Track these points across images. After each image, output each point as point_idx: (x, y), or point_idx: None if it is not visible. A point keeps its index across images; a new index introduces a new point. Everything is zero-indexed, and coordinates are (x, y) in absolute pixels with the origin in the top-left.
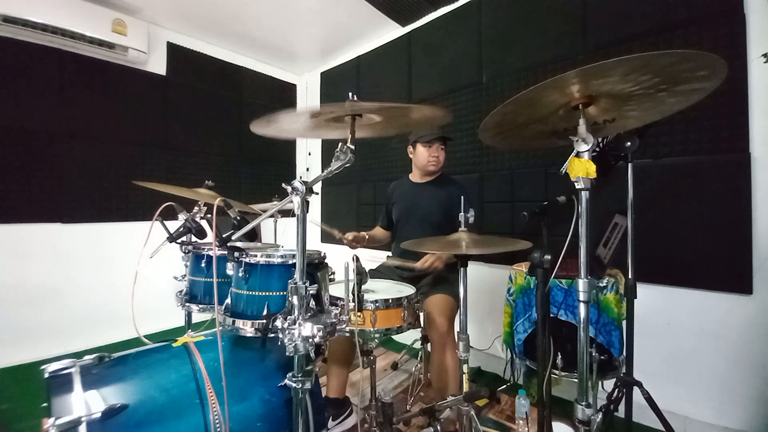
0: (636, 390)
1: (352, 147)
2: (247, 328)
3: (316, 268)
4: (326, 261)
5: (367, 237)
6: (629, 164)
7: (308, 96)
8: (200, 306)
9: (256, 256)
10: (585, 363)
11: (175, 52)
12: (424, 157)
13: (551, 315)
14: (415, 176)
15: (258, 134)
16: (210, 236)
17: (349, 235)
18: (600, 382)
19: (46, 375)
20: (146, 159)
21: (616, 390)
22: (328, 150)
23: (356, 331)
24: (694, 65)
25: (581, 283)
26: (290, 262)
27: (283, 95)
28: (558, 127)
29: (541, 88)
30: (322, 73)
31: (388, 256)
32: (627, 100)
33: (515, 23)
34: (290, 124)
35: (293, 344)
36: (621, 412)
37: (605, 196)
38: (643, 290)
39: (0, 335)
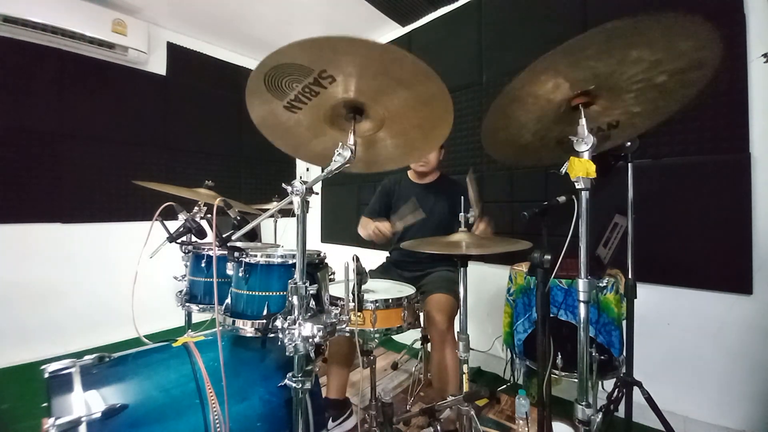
0: (636, 390)
1: (352, 147)
2: (247, 328)
3: (316, 268)
4: (326, 261)
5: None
6: (629, 164)
7: None
8: (200, 306)
9: (256, 256)
10: (585, 363)
11: (175, 52)
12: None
13: (551, 315)
14: (414, 176)
15: (256, 131)
16: (210, 236)
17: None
18: (600, 382)
19: (46, 375)
20: (146, 159)
21: (616, 390)
22: None
23: (356, 331)
24: (686, 33)
25: (581, 283)
26: (290, 262)
27: None
28: (563, 135)
29: (535, 79)
30: None
31: (387, 256)
32: (626, 93)
33: (515, 23)
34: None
35: (293, 344)
36: (621, 412)
37: (605, 196)
38: (643, 290)
39: (0, 335)
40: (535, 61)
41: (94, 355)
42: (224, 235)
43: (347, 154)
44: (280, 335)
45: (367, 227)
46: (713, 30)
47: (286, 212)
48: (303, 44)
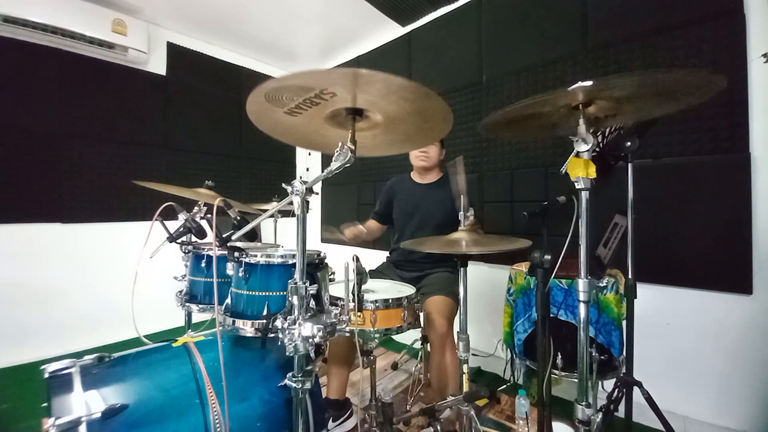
0: (636, 390)
1: (352, 147)
2: (247, 328)
3: (316, 268)
4: (326, 261)
5: (365, 231)
6: (629, 164)
7: None
8: (200, 306)
9: (256, 256)
10: (585, 363)
11: (175, 52)
12: (414, 154)
13: (551, 315)
14: (416, 175)
15: (256, 131)
16: (210, 236)
17: (348, 232)
18: (600, 382)
19: (46, 375)
20: (146, 159)
21: (616, 390)
22: None
23: (356, 331)
24: (694, 82)
25: (581, 283)
26: (290, 262)
27: None
28: (559, 122)
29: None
30: None
31: (387, 256)
32: (627, 102)
33: (515, 23)
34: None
35: (293, 344)
36: (621, 412)
37: (605, 196)
38: (643, 290)
39: (0, 335)
40: (544, 95)
41: (94, 355)
42: (224, 235)
43: (347, 154)
44: (280, 335)
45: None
46: (722, 78)
47: (286, 212)
48: (304, 75)
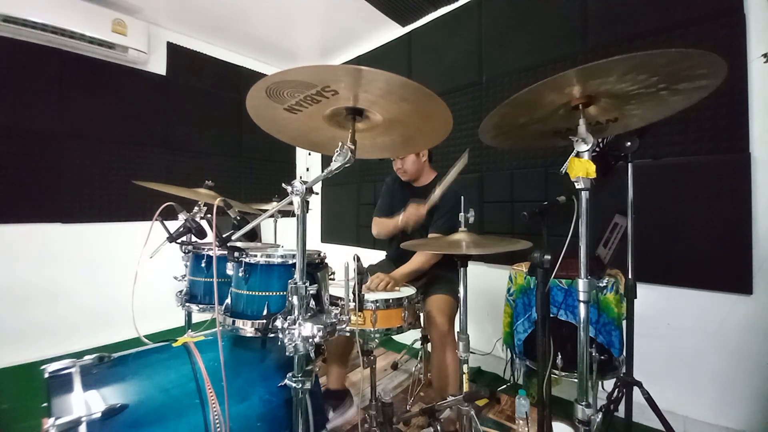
0: (636, 390)
1: (352, 147)
2: (247, 328)
3: (316, 268)
4: (326, 261)
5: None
6: (629, 164)
7: None
8: (200, 306)
9: (256, 256)
10: (585, 363)
11: (175, 52)
12: (395, 165)
13: (551, 315)
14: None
15: (256, 131)
16: (210, 236)
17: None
18: (600, 382)
19: (46, 375)
20: (146, 159)
21: (616, 390)
22: None
23: (356, 331)
24: (691, 64)
25: (581, 283)
26: (290, 262)
27: None
28: (559, 127)
29: (540, 89)
30: None
31: (386, 255)
32: (627, 100)
33: (515, 23)
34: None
35: (293, 344)
36: (621, 412)
37: (605, 196)
38: (643, 290)
39: (0, 335)
40: (540, 82)
41: (94, 355)
42: (224, 235)
43: (347, 154)
44: (280, 335)
45: (386, 224)
46: (720, 61)
47: (286, 212)
48: (307, 69)
